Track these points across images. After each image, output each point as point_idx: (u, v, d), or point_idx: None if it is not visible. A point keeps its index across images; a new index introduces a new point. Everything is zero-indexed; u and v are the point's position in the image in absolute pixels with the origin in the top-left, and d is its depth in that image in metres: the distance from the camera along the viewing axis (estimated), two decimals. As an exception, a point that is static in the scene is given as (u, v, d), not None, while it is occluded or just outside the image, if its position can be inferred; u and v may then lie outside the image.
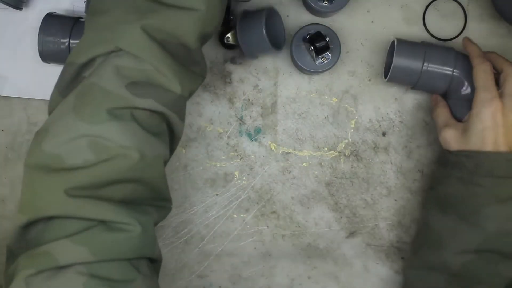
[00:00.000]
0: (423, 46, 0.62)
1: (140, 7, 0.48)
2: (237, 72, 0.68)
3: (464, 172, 0.56)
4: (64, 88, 0.49)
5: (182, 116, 0.52)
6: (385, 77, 0.64)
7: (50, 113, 0.50)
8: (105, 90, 0.46)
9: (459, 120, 0.60)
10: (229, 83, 0.69)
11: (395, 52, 0.61)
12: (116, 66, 0.46)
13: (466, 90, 0.60)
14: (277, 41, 0.64)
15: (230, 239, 0.68)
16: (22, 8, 0.65)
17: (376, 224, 0.68)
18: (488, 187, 0.54)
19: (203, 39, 0.51)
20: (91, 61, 0.47)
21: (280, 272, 0.69)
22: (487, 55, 0.59)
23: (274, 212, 0.69)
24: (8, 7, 0.63)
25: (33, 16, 0.65)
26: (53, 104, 0.49)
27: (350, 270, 0.69)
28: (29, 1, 0.66)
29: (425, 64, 0.60)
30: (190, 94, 0.53)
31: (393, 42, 0.63)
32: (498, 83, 0.57)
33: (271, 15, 0.63)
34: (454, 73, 0.60)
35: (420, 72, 0.61)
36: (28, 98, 0.68)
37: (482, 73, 0.56)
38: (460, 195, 0.56)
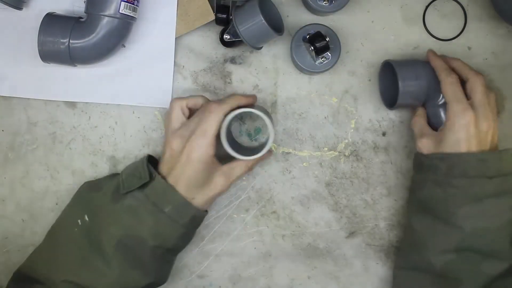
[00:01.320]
0: (408, 63, 0.63)
1: None
2: (237, 72, 0.68)
3: (439, 174, 0.57)
4: None
5: None
6: (390, 106, 0.65)
7: None
8: None
9: (436, 127, 0.61)
10: (229, 83, 0.68)
11: (399, 77, 0.61)
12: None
13: (442, 99, 0.60)
14: (276, 25, 0.63)
15: (230, 239, 0.68)
16: (22, 8, 0.65)
17: (376, 224, 0.68)
18: (462, 188, 0.56)
19: None
20: None
21: (280, 272, 0.69)
22: (452, 64, 0.60)
23: (274, 212, 0.69)
24: (8, 7, 0.63)
25: (33, 16, 0.65)
26: None
27: (350, 270, 0.69)
28: (29, 1, 0.66)
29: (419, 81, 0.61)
30: None
31: (385, 64, 0.64)
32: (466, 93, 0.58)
33: (262, 1, 0.62)
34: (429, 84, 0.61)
35: (424, 91, 0.61)
36: (28, 98, 0.68)
37: (450, 86, 0.58)
38: (437, 197, 0.58)
